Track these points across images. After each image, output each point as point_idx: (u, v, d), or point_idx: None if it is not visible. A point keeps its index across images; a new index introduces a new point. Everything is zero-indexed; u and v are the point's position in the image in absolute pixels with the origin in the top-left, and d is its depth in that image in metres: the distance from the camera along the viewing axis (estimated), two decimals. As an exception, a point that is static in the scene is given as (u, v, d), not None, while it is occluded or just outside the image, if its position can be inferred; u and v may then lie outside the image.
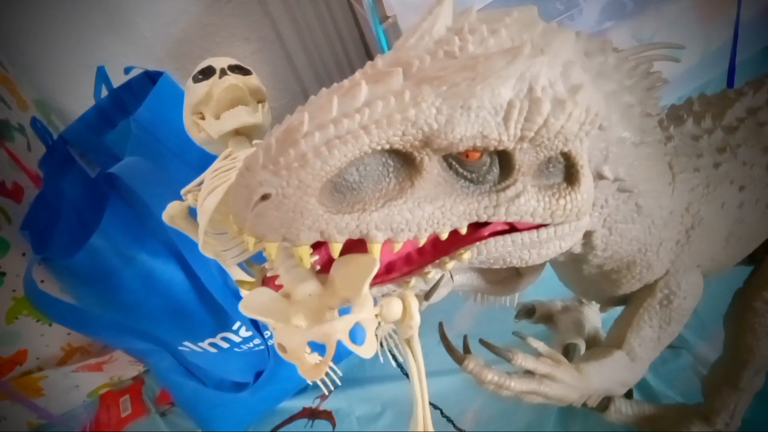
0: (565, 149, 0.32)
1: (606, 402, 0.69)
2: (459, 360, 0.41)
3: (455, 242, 0.34)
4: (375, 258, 0.31)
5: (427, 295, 0.49)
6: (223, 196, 0.37)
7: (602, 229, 0.41)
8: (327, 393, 0.69)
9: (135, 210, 0.59)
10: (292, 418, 0.89)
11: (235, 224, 0.31)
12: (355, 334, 0.30)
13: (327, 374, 0.65)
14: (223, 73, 0.44)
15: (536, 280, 0.59)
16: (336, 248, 0.32)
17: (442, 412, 0.78)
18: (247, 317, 0.65)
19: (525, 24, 0.32)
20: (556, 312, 0.77)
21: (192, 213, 0.43)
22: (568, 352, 0.67)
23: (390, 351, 0.78)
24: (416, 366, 0.36)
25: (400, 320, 0.34)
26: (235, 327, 0.68)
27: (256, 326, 0.66)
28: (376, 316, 0.32)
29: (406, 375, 0.80)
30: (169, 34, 1.20)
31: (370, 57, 1.37)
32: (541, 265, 0.59)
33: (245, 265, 0.41)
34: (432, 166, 0.31)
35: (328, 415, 0.88)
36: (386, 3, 0.84)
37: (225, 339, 0.70)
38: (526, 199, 0.32)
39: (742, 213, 0.47)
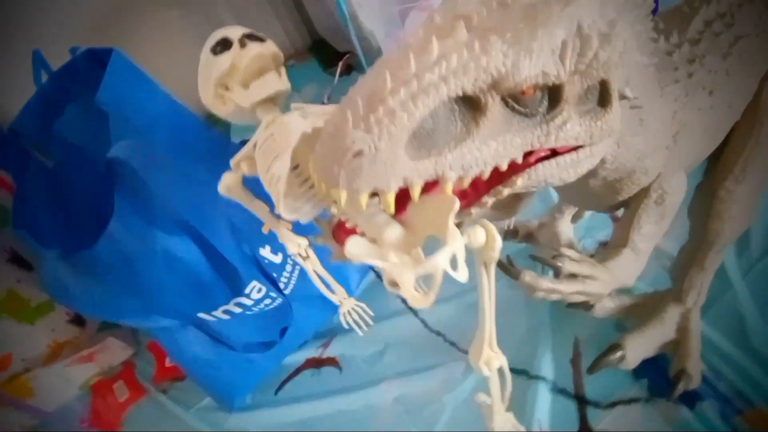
0: (605, 77, 0.36)
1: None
2: (516, 275, 0.46)
3: (507, 172, 0.39)
4: (452, 196, 0.35)
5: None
6: (311, 160, 0.38)
7: (613, 144, 0.46)
8: (361, 333, 0.73)
9: (141, 192, 0.59)
10: (297, 371, 0.93)
11: (324, 182, 0.34)
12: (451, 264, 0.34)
13: (359, 314, 0.70)
14: (242, 43, 0.44)
15: (531, 201, 0.65)
16: (416, 192, 0.35)
17: (444, 338, 0.85)
18: (263, 276, 0.68)
19: (559, -33, 0.36)
20: (534, 230, 0.84)
21: (245, 182, 0.45)
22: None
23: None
24: (489, 287, 0.41)
25: (484, 246, 0.38)
26: (247, 291, 0.70)
27: (271, 282, 0.68)
28: (465, 245, 0.36)
29: (410, 308, 0.85)
30: (86, 11, 1.14)
31: (300, 7, 1.36)
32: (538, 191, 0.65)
33: (314, 222, 0.44)
34: (494, 107, 0.35)
35: (333, 362, 0.92)
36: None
37: (238, 304, 0.71)
38: (571, 125, 0.37)
39: (713, 114, 0.55)
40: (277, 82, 0.45)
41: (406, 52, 0.33)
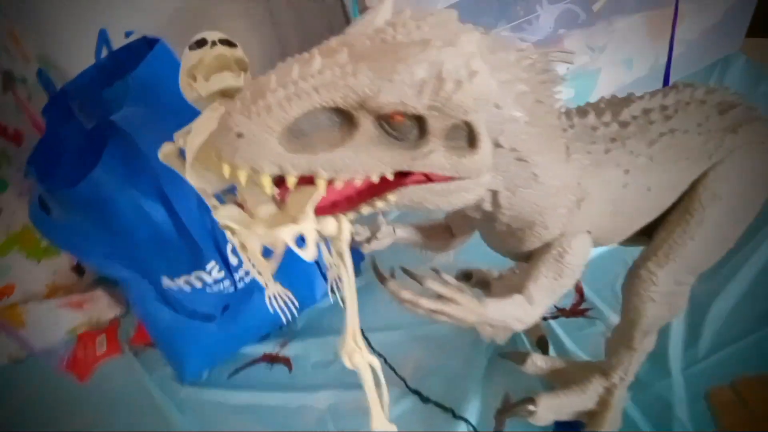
0: (466, 119, 0.42)
1: (524, 356, 0.81)
2: (382, 281, 0.52)
3: (384, 187, 0.45)
4: (319, 188, 0.42)
5: (369, 240, 0.60)
6: (208, 137, 0.46)
7: (506, 191, 0.51)
8: (284, 321, 0.78)
9: (130, 153, 0.68)
10: (253, 362, 0.99)
11: (215, 156, 0.41)
12: (300, 242, 0.40)
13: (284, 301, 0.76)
14: (213, 44, 0.53)
15: (466, 242, 0.70)
16: (291, 180, 0.42)
17: (385, 360, 0.89)
18: (221, 257, 0.76)
19: (442, 23, 0.43)
20: (492, 279, 0.88)
21: (182, 153, 0.53)
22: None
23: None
24: (347, 274, 0.46)
25: (335, 236, 0.44)
26: (208, 267, 0.78)
27: (227, 267, 0.75)
28: (317, 230, 0.42)
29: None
30: (169, 5, 1.29)
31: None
32: (470, 230, 0.70)
33: (221, 195, 0.51)
34: (367, 125, 0.41)
35: (286, 361, 0.98)
36: (367, -2, 0.94)
37: (198, 278, 0.79)
38: (436, 156, 0.43)
39: (626, 192, 0.58)
40: (231, 79, 0.53)
41: (293, 61, 0.40)
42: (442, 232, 0.69)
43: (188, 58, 0.54)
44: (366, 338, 0.90)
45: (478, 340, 0.90)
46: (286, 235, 0.39)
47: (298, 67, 0.39)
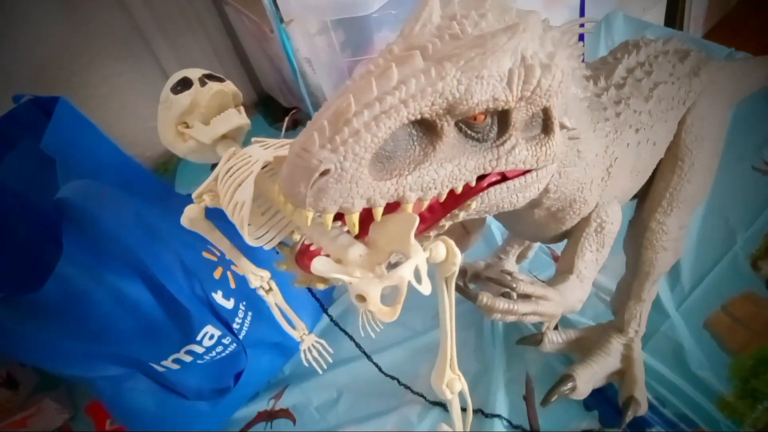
0: (547, 104, 0.40)
1: (540, 337, 0.80)
2: (473, 297, 0.48)
3: (461, 196, 0.41)
4: (412, 214, 0.37)
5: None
6: (260, 185, 0.40)
7: (555, 173, 0.50)
8: (321, 371, 0.70)
9: (92, 233, 0.57)
10: (249, 425, 0.90)
11: (291, 203, 0.35)
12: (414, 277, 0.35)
13: (319, 352, 0.69)
14: (202, 82, 0.46)
15: (481, 235, 0.68)
16: (378, 212, 0.37)
17: (399, 381, 0.84)
18: (216, 320, 0.67)
19: (502, 9, 0.40)
20: (481, 270, 0.87)
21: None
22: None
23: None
24: (449, 302, 0.42)
25: (444, 260, 0.39)
26: (199, 337, 0.69)
27: (225, 325, 0.67)
28: (427, 259, 0.37)
29: (364, 353, 0.85)
30: (30, 60, 1.12)
31: (246, 64, 1.39)
32: (483, 221, 0.68)
33: (276, 248, 0.44)
34: (449, 131, 0.37)
35: (285, 413, 0.90)
36: (283, 9, 0.88)
37: (189, 352, 0.69)
38: (519, 150, 0.40)
39: (639, 150, 0.60)
40: (238, 117, 0.46)
41: (368, 77, 0.35)
42: (456, 231, 0.67)
43: (177, 103, 0.46)
44: (376, 364, 0.86)
45: (480, 335, 0.89)
46: (407, 272, 0.34)
47: (375, 82, 0.34)
